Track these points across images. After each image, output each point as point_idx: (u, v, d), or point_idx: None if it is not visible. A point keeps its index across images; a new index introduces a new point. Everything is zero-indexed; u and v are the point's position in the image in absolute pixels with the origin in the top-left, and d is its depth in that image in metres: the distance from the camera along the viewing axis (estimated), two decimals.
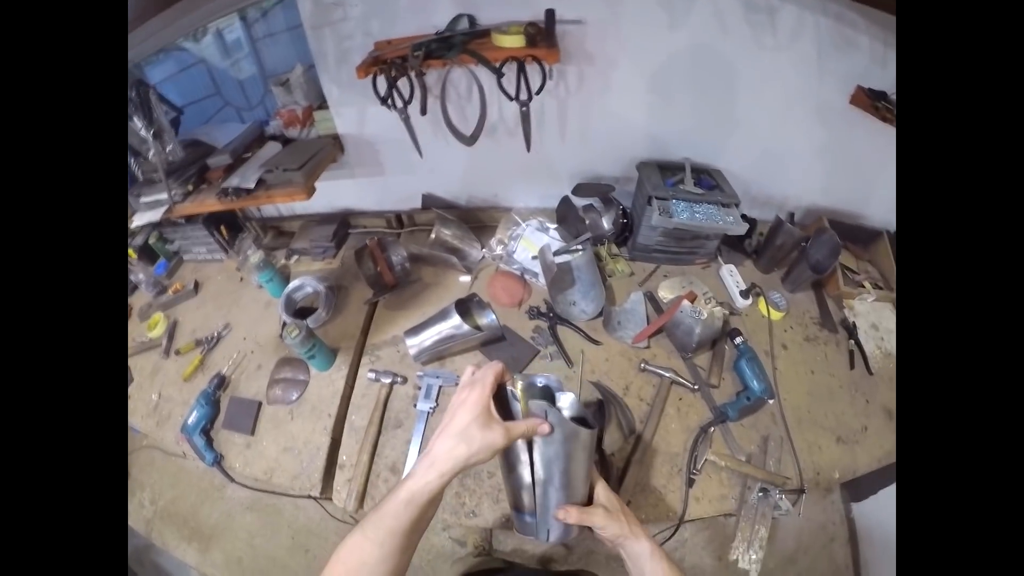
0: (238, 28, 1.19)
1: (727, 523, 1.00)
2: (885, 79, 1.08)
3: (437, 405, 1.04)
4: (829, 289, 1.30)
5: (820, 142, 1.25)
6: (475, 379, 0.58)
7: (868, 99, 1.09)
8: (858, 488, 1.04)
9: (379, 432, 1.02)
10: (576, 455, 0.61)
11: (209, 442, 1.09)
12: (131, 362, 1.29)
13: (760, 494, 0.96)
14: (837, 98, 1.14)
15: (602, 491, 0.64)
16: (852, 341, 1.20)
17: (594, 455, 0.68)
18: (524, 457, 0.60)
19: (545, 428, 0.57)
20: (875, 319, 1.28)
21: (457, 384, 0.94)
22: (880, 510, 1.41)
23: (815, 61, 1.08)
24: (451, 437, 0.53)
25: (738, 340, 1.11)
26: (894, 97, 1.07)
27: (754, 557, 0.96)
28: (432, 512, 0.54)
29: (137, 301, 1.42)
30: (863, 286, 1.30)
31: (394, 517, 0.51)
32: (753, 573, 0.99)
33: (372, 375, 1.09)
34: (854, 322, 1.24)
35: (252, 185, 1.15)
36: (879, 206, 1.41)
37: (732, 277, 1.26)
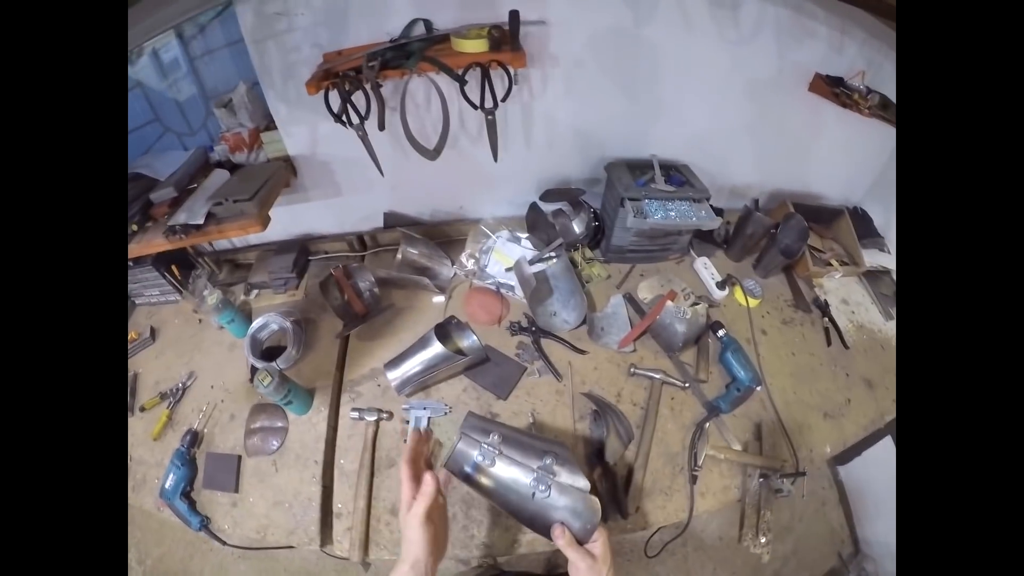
0: (175, 46, 1.07)
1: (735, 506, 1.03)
2: (842, 65, 1.11)
3: None
4: (799, 271, 1.34)
5: (780, 129, 1.27)
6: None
7: (827, 86, 1.12)
8: (843, 452, 1.10)
9: (372, 474, 0.97)
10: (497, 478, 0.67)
11: (192, 505, 1.01)
12: None
13: (761, 480, 0.99)
14: (796, 86, 1.16)
15: (601, 542, 0.64)
16: (826, 319, 1.24)
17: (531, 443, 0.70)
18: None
19: (430, 485, 0.63)
20: (844, 294, 1.33)
21: (446, 415, 1.05)
22: (867, 468, 1.48)
23: (775, 52, 1.09)
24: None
25: (721, 333, 1.12)
26: (852, 82, 1.09)
27: (763, 541, 0.98)
28: None
29: None
30: (831, 264, 1.34)
31: None
32: (765, 557, 1.02)
33: (355, 414, 1.03)
34: (825, 300, 1.29)
35: (201, 220, 1.04)
36: (838, 186, 1.46)
37: (707, 270, 1.27)
